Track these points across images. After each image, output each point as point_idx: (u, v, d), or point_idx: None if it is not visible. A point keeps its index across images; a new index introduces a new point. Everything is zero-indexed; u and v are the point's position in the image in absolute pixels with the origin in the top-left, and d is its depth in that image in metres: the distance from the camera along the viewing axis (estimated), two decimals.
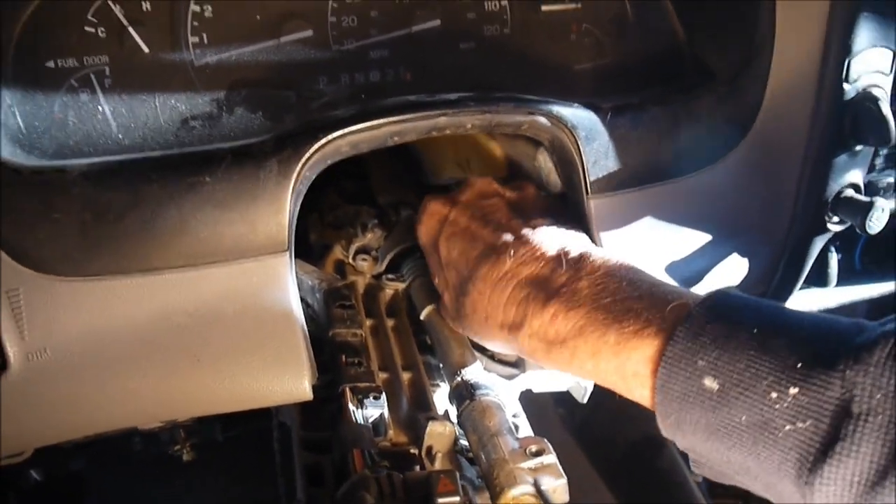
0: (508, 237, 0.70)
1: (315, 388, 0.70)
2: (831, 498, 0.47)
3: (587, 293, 0.62)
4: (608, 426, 1.39)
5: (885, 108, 0.80)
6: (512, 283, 0.67)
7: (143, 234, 0.61)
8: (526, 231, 0.70)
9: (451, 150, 0.99)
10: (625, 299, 0.60)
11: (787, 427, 0.49)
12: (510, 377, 0.90)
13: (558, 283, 0.64)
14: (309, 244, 1.05)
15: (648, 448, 1.32)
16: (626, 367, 0.58)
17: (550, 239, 0.69)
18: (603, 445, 1.38)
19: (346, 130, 0.65)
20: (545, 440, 0.68)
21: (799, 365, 0.49)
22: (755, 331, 0.52)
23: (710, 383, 0.52)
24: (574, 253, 0.66)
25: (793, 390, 0.48)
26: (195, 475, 0.88)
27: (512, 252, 0.68)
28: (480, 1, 0.85)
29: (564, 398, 0.93)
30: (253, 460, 0.88)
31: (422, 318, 0.90)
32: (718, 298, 0.56)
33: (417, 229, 0.82)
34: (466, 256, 0.72)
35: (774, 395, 0.49)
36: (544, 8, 0.87)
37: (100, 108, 0.70)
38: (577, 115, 0.74)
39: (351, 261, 0.99)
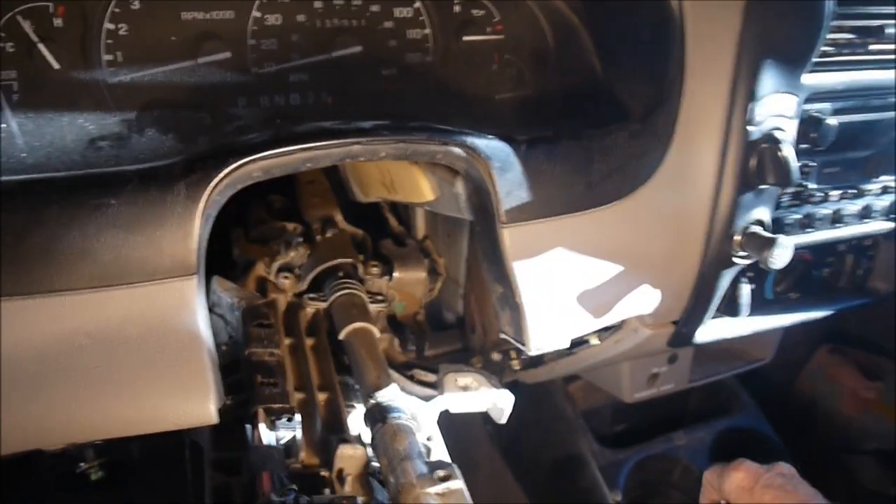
0: None
1: (229, 408, 0.70)
2: None
3: None
4: (534, 445, 1.41)
5: (787, 151, 0.84)
6: None
7: (44, 256, 0.60)
8: None
9: (377, 171, 1.00)
10: None
11: None
12: (428, 398, 0.91)
13: None
14: (232, 260, 1.04)
15: (571, 467, 1.34)
16: None
17: None
18: (528, 464, 1.40)
19: (257, 156, 0.65)
20: (453, 465, 0.69)
21: None
22: None
23: None
24: None
25: None
26: (104, 495, 0.86)
27: None
28: (403, 28, 0.86)
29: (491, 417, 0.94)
30: (164, 480, 0.87)
31: (341, 337, 0.90)
32: None
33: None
34: None
35: None
36: (466, 38, 0.89)
37: (3, 124, 0.69)
38: (492, 147, 0.75)
39: (273, 278, 0.99)
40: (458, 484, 0.68)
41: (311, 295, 0.97)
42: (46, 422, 0.64)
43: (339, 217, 1.09)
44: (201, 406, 0.67)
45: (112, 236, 0.62)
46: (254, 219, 1.10)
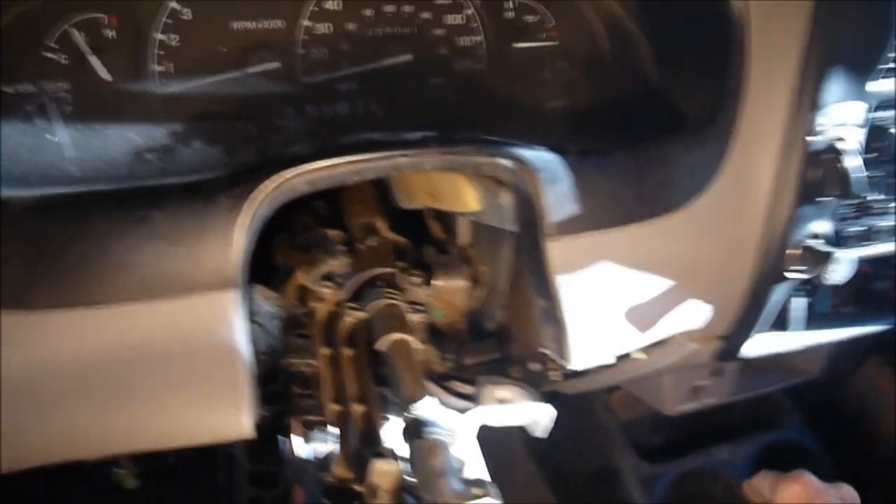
0: None
1: (266, 419, 0.70)
2: None
3: None
4: (571, 456, 1.39)
5: (850, 162, 0.80)
6: None
7: (86, 268, 0.61)
8: None
9: (421, 180, 0.99)
10: None
11: None
12: (466, 411, 0.90)
13: None
14: (274, 268, 1.04)
15: (609, 480, 1.32)
16: None
17: None
18: (565, 475, 1.38)
19: (301, 170, 0.65)
20: (490, 483, 0.68)
21: None
22: None
23: None
24: None
25: None
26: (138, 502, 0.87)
27: None
28: (454, 36, 0.84)
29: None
30: (197, 490, 0.88)
31: (379, 348, 0.90)
32: None
33: None
34: None
35: None
36: (518, 45, 0.87)
37: (55, 137, 0.70)
38: (540, 158, 0.74)
39: (314, 287, 0.99)
40: (493, 503, 0.67)
41: (352, 304, 0.97)
42: (85, 433, 0.65)
43: (381, 225, 1.08)
44: (237, 420, 0.67)
45: (154, 248, 0.62)
46: (299, 225, 1.10)
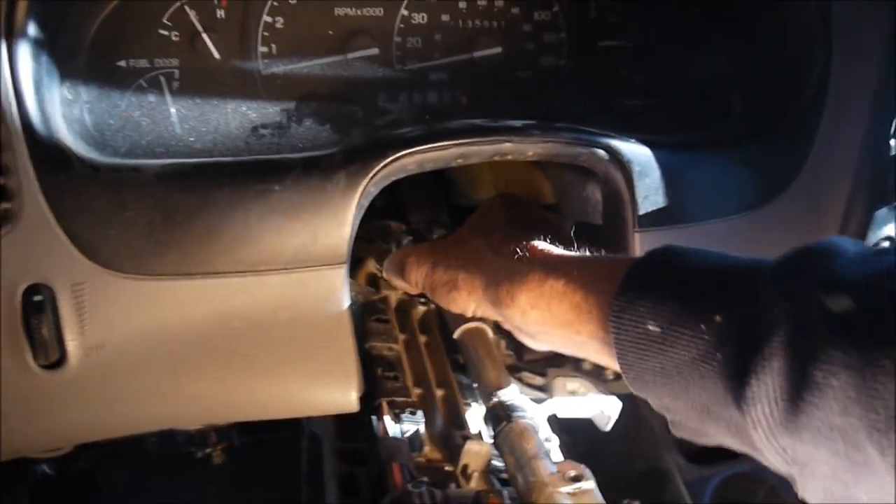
0: None
1: None
2: (763, 419, 0.47)
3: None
4: (615, 456, 1.39)
5: None
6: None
7: (209, 238, 0.62)
8: None
9: (491, 173, 1.00)
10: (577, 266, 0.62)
11: (719, 354, 0.49)
12: (537, 401, 0.91)
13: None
14: None
15: (656, 480, 1.32)
16: (590, 325, 0.60)
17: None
18: (610, 476, 1.38)
19: (414, 149, 0.66)
20: (583, 466, 0.69)
21: (722, 293, 0.51)
22: (688, 272, 0.55)
23: (653, 327, 0.53)
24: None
25: (717, 317, 0.49)
26: (219, 479, 0.88)
27: None
28: (540, 32, 0.86)
29: (569, 425, 0.93)
30: (279, 468, 0.88)
31: (455, 336, 0.91)
32: (660, 251, 0.58)
33: None
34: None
35: (704, 325, 0.50)
36: (601, 43, 0.89)
37: (170, 109, 0.71)
38: (634, 151, 0.75)
39: (384, 275, 1.00)
40: (590, 484, 0.67)
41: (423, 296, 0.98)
42: (197, 401, 0.66)
43: (444, 218, 1.10)
44: (345, 394, 0.68)
45: (273, 222, 0.64)
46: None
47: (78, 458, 0.97)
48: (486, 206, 0.85)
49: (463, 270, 0.72)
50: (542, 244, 0.69)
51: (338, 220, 0.65)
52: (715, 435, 0.55)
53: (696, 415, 0.54)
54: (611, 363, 0.60)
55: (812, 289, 0.46)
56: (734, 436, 0.52)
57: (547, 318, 0.63)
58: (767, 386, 0.46)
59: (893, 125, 0.82)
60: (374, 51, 0.79)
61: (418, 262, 0.79)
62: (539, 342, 0.71)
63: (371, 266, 1.03)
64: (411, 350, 0.91)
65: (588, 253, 0.69)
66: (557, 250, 0.68)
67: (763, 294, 0.48)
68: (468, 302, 0.73)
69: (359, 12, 0.79)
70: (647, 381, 0.55)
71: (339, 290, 0.67)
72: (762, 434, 0.48)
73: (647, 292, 0.54)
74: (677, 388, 0.53)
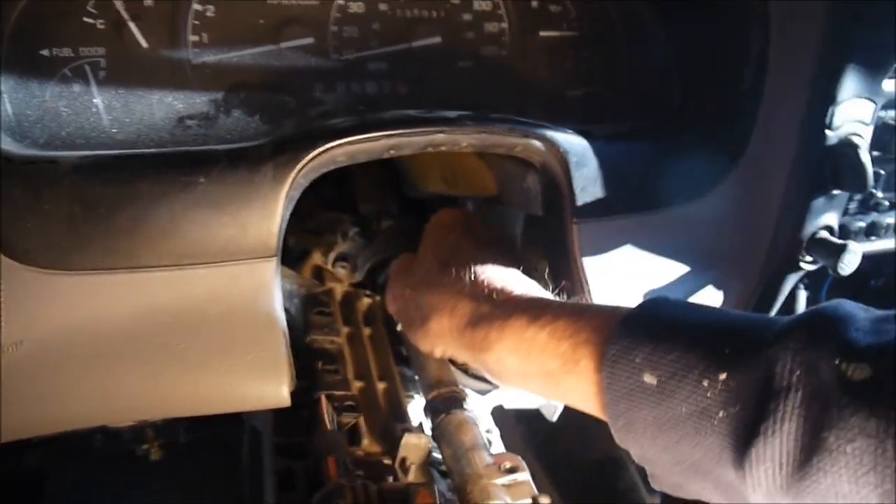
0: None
1: (291, 393, 0.70)
2: (765, 481, 0.47)
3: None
4: (570, 445, 1.40)
5: (864, 157, 0.83)
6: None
7: (132, 231, 0.61)
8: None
9: (438, 165, 1.00)
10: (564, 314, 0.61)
11: (721, 413, 0.49)
12: (482, 392, 0.91)
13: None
14: (286, 247, 1.05)
15: (609, 469, 1.33)
16: (576, 374, 0.59)
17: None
18: (564, 464, 1.39)
19: (344, 140, 0.65)
20: (519, 457, 0.69)
21: (727, 351, 0.50)
22: (686, 326, 0.54)
23: (650, 378, 0.52)
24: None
25: (722, 375, 0.49)
26: (159, 475, 0.86)
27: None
28: (481, 21, 0.86)
29: (526, 415, 0.93)
30: (219, 463, 0.87)
31: (399, 328, 0.90)
32: (652, 303, 0.58)
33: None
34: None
35: (706, 382, 0.50)
36: (542, 33, 0.89)
37: (94, 100, 0.69)
38: (570, 141, 0.75)
39: (330, 267, 0.99)
40: (525, 476, 0.67)
41: (368, 287, 0.97)
42: (124, 398, 0.64)
43: (393, 209, 1.09)
44: (276, 388, 0.67)
45: (199, 214, 0.62)
46: (306, 209, 1.10)
47: (24, 456, 0.95)
48: (442, 223, 0.83)
49: (436, 313, 0.72)
50: (518, 285, 0.68)
51: (266, 213, 0.64)
52: (698, 491, 0.55)
53: (680, 469, 0.54)
54: (595, 411, 0.60)
55: (829, 355, 0.46)
56: (722, 493, 0.52)
57: (526, 367, 0.63)
58: (775, 448, 0.46)
59: (829, 114, 0.83)
60: (309, 40, 0.78)
61: (393, 288, 0.81)
62: (510, 385, 0.70)
63: (317, 258, 1.02)
64: (354, 343, 0.90)
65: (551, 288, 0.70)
66: (535, 292, 0.68)
67: (773, 357, 0.48)
68: (435, 345, 0.74)
69: (293, 2, 0.77)
70: (636, 432, 0.54)
71: (269, 284, 0.66)
72: (760, 495, 0.48)
73: (645, 342, 0.53)
74: (668, 440, 0.52)
